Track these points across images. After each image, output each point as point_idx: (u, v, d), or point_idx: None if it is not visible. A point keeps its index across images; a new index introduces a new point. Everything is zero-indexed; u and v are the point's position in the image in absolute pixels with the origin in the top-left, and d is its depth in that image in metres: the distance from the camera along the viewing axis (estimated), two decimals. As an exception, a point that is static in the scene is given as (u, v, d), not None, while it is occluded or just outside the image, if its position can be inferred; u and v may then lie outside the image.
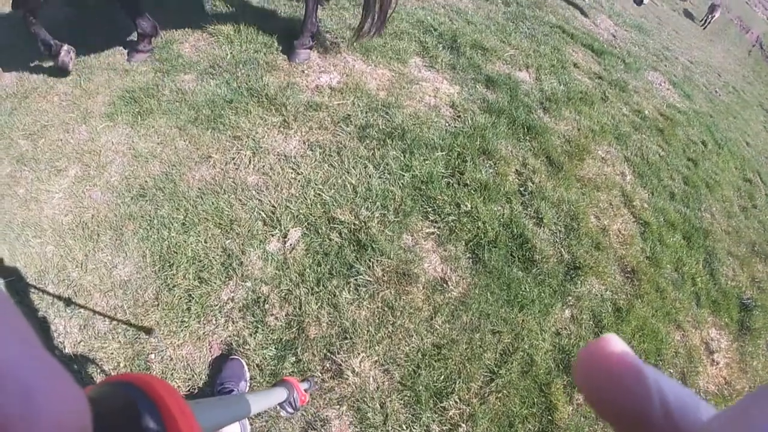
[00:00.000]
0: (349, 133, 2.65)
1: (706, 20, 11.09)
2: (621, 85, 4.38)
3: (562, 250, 2.60)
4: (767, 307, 3.44)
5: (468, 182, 2.60)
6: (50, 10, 2.98)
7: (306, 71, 2.99)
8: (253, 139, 2.54)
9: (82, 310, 1.89)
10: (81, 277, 1.98)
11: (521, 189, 2.74)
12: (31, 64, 2.82)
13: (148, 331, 1.86)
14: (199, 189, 2.29)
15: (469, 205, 2.50)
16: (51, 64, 2.71)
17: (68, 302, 1.90)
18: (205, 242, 2.11)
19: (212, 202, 2.24)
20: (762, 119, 9.79)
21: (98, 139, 2.46)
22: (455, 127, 2.87)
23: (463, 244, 2.38)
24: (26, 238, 2.09)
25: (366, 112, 2.77)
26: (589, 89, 4.00)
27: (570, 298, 2.41)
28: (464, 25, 3.93)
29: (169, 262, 2.04)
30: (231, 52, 2.97)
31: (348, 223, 2.27)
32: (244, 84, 2.79)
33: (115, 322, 1.88)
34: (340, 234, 2.23)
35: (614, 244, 2.85)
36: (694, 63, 7.18)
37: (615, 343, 0.23)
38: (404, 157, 2.59)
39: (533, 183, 2.78)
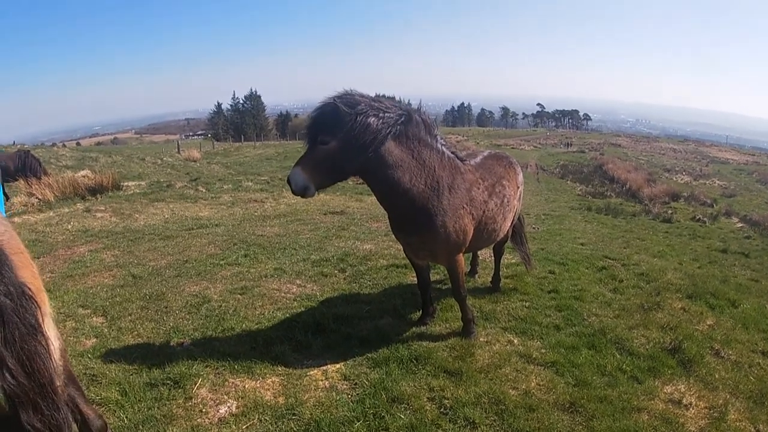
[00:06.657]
0: (267, 457, 2.60)
1: None
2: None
3: (506, 437, 2.73)
4: (690, 336, 3.90)
5: (395, 433, 2.67)
6: None
7: (203, 409, 2.97)
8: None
9: None
10: None
11: (442, 410, 2.89)
12: None
13: None
14: None
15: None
16: None
17: None
18: None
19: None
20: (579, 217, 12.12)
21: None
22: (356, 394, 3.03)
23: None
24: None
25: (275, 422, 2.79)
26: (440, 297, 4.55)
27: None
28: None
29: None
30: (125, 416, 2.80)
31: None
32: (150, 446, 2.58)
33: None
34: None
35: (541, 396, 3.06)
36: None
37: None
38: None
39: (447, 398, 2.96)
